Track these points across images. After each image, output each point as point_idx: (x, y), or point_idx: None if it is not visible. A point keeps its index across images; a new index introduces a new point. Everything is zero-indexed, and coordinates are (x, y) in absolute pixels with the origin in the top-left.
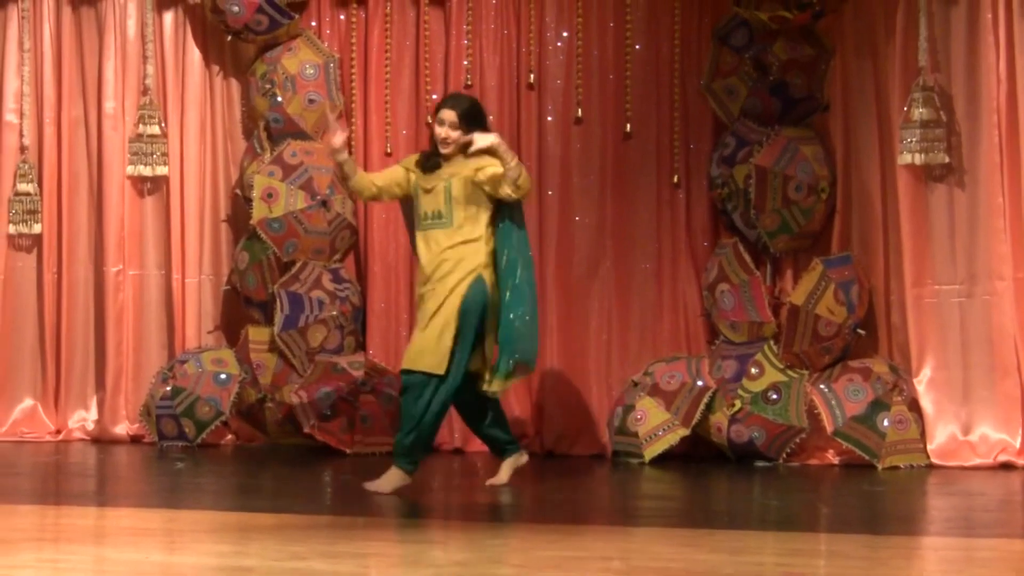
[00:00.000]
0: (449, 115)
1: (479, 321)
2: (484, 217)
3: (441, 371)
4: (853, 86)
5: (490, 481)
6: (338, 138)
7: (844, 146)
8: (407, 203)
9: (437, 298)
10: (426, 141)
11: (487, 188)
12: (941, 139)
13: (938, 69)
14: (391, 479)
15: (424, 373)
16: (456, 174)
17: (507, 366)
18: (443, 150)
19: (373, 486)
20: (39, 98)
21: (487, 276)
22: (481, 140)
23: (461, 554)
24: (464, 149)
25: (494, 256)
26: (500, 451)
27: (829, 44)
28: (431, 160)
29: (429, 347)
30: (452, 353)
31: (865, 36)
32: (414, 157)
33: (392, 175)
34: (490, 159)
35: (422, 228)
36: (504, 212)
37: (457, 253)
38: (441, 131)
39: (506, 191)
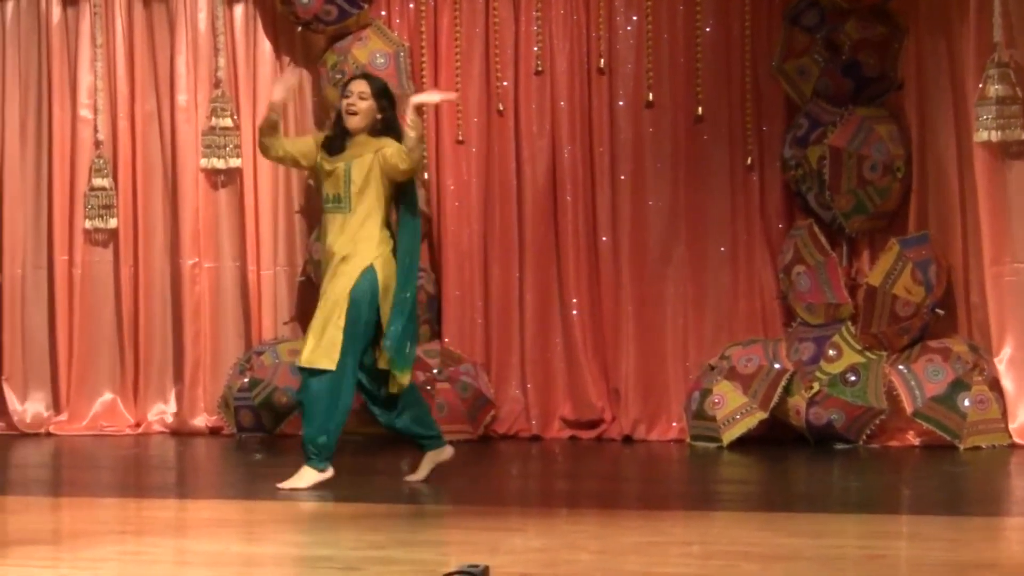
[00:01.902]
0: (360, 85)
1: (372, 314)
2: (383, 207)
3: (332, 366)
4: (927, 64)
5: (408, 477)
6: (278, 92)
7: (919, 124)
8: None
9: (330, 293)
10: (497, 128)
11: (385, 171)
12: (1017, 115)
13: (1013, 45)
14: (308, 477)
15: (318, 369)
16: (357, 155)
17: (399, 364)
18: (349, 123)
19: (288, 484)
20: (112, 93)
21: (379, 267)
22: (426, 96)
23: (540, 540)
24: (372, 129)
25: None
26: (419, 445)
27: (902, 22)
28: (335, 141)
29: (319, 343)
30: (342, 347)
31: (938, 13)
32: (324, 134)
33: (301, 145)
34: (391, 141)
35: (325, 211)
36: (403, 206)
37: (352, 243)
38: (350, 100)
39: (400, 164)
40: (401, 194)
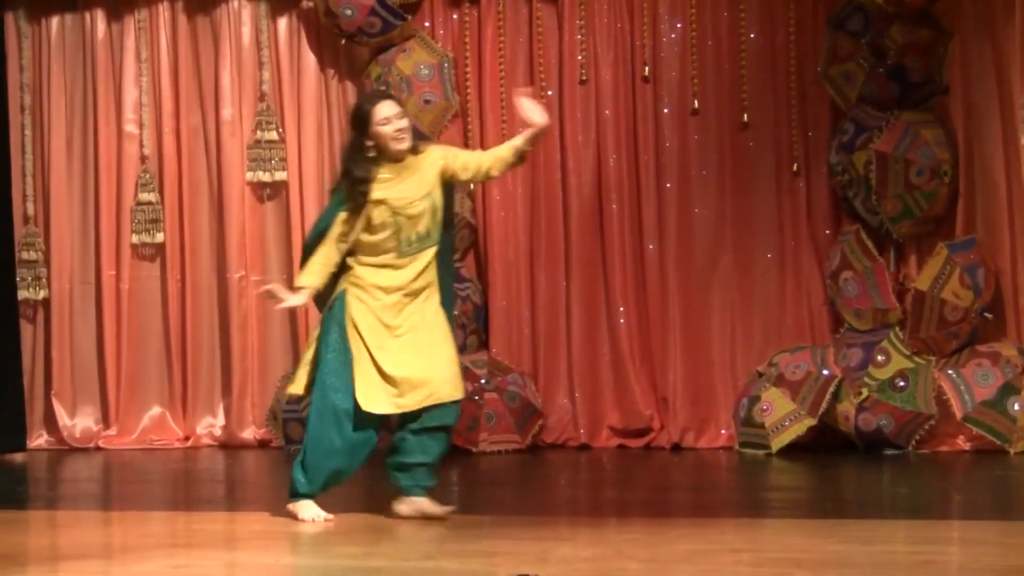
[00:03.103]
0: (392, 106)
1: None
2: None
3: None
4: (973, 68)
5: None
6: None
7: (965, 128)
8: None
9: (433, 330)
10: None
11: (447, 179)
12: None
13: None
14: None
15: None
16: (423, 180)
17: None
18: (401, 147)
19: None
20: (158, 108)
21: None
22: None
23: (590, 550)
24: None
25: None
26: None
27: (947, 26)
28: (367, 184)
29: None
30: None
31: (984, 16)
32: (340, 214)
33: (330, 255)
34: (447, 147)
35: (403, 254)
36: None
37: (431, 273)
38: (394, 126)
39: (493, 172)
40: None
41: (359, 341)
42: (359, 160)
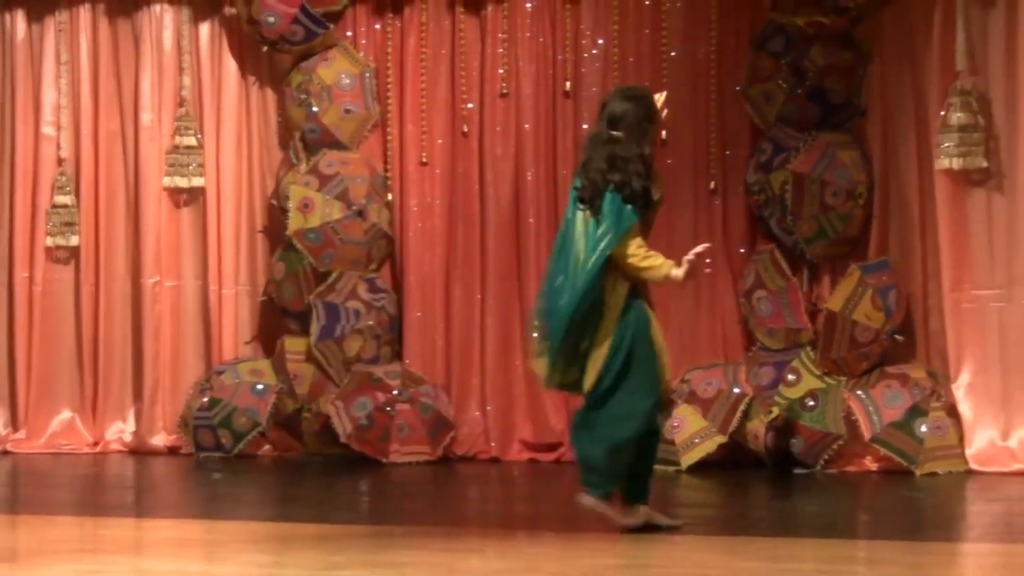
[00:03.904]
0: None
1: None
2: None
3: None
4: (891, 91)
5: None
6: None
7: (882, 151)
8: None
9: None
10: (462, 150)
11: None
12: (979, 143)
13: (976, 72)
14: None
15: None
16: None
17: None
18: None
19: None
20: (76, 110)
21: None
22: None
23: (499, 562)
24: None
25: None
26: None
27: (866, 49)
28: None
29: None
30: None
31: (902, 40)
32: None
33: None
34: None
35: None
36: None
37: None
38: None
39: None
40: None
41: (653, 346)
42: (644, 158)
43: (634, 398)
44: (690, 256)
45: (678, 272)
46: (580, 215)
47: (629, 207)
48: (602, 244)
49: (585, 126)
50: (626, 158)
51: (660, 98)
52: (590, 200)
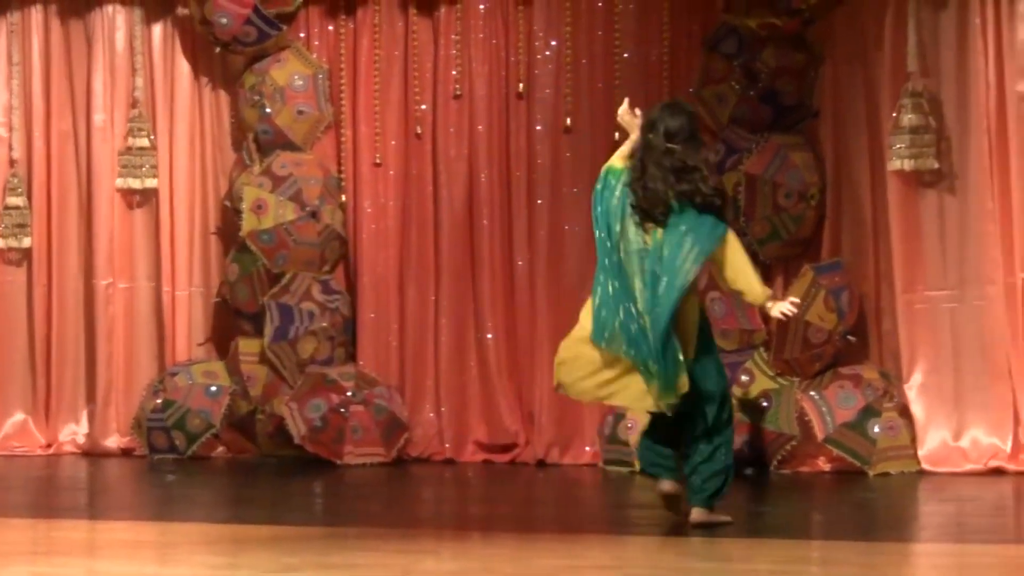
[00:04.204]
0: None
1: None
2: None
3: None
4: (843, 92)
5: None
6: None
7: (834, 153)
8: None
9: None
10: (415, 151)
11: None
12: (931, 144)
13: (927, 74)
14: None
15: None
16: None
17: None
18: None
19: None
20: (28, 111)
21: None
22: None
23: (454, 563)
24: None
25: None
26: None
27: (818, 51)
28: None
29: None
30: None
31: (854, 42)
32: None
33: None
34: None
35: None
36: None
37: None
38: None
39: None
40: None
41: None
42: (709, 164)
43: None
44: (788, 304)
45: (771, 304)
46: (633, 231)
47: (711, 216)
48: (692, 256)
49: (539, 127)
50: (693, 167)
51: (622, 107)
52: (650, 211)
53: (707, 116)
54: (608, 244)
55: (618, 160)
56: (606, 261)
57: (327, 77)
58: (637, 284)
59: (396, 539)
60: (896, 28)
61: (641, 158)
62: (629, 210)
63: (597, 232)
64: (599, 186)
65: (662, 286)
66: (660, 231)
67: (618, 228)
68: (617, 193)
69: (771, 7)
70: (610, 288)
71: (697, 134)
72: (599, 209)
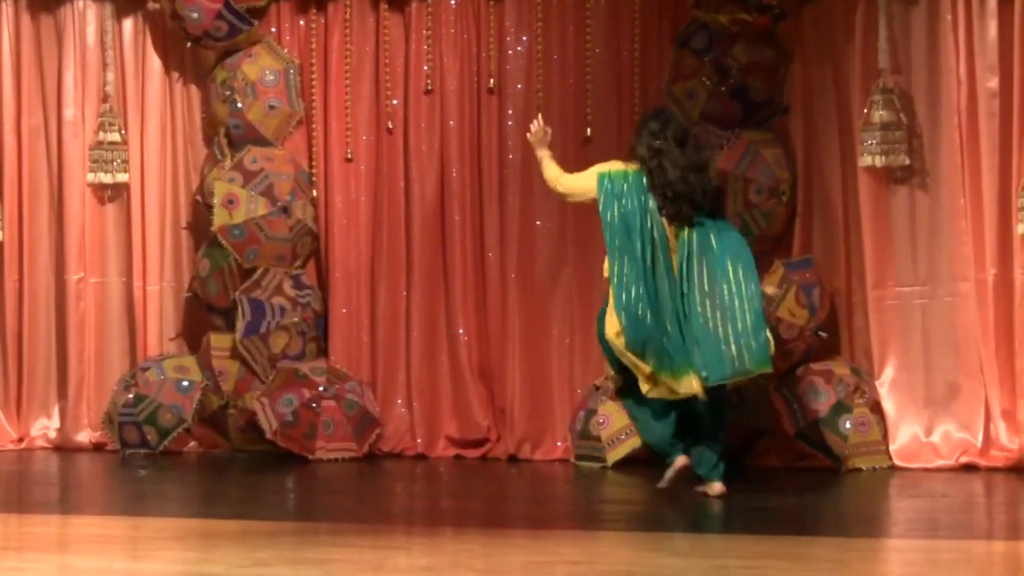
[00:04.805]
0: None
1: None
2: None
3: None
4: (813, 89)
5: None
6: None
7: (805, 149)
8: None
9: None
10: (386, 146)
11: None
12: (902, 141)
13: (898, 71)
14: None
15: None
16: None
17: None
18: None
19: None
20: None
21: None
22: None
23: (425, 559)
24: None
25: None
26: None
27: (789, 47)
28: None
29: None
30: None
31: (825, 38)
32: None
33: None
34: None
35: None
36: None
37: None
38: None
39: None
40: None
41: None
42: None
43: None
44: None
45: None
46: (659, 231)
47: (721, 217)
48: (745, 250)
49: (510, 123)
50: (704, 164)
51: (536, 124)
52: (680, 211)
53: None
54: (638, 245)
55: (617, 165)
56: (631, 262)
57: (298, 72)
58: (664, 282)
59: (368, 534)
60: (867, 24)
61: (658, 162)
62: (655, 212)
63: (615, 235)
64: (612, 191)
65: (740, 272)
66: (688, 229)
67: (650, 228)
68: (636, 196)
69: (742, 3)
70: (641, 289)
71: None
72: (620, 212)
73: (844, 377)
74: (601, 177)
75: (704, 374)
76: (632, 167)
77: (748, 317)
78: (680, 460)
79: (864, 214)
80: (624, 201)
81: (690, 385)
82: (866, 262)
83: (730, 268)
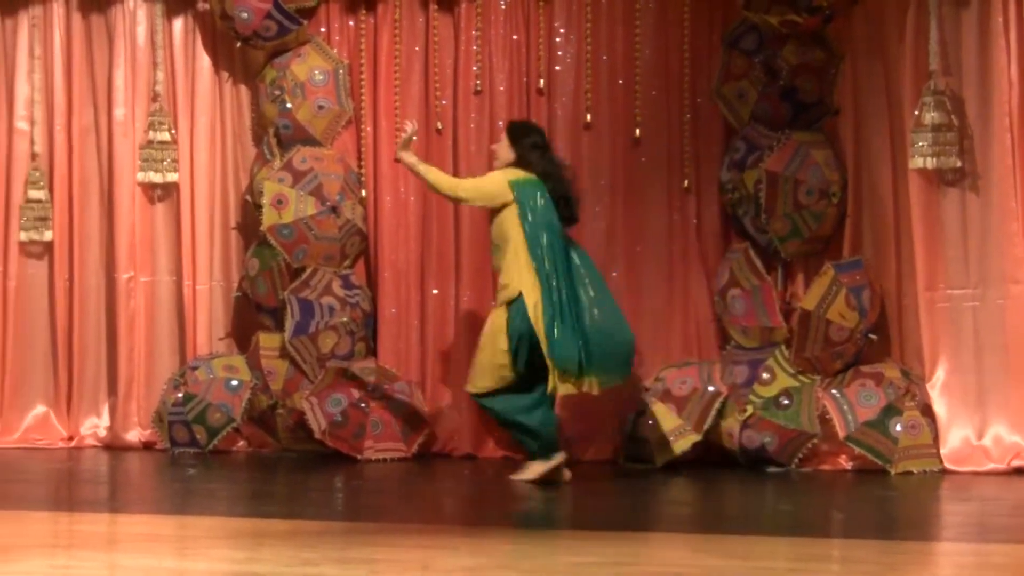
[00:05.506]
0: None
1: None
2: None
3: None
4: (864, 90)
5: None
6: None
7: (855, 150)
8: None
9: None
10: (436, 147)
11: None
12: (953, 143)
13: (949, 73)
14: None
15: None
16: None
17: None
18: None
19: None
20: (50, 105)
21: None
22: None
23: (472, 559)
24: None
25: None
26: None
27: (839, 48)
28: None
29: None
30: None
31: (875, 40)
32: None
33: None
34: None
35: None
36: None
37: (503, 276)
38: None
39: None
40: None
41: None
42: None
43: None
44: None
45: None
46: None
47: None
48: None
49: (559, 123)
50: (570, 174)
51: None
52: (575, 219)
53: (727, 113)
54: (552, 245)
55: (519, 173)
56: (556, 269)
57: (347, 72)
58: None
59: (415, 534)
60: (917, 26)
61: (551, 170)
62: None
63: (540, 237)
64: (527, 197)
65: (599, 287)
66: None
67: (557, 237)
68: (548, 202)
69: (792, 4)
70: (563, 295)
71: None
72: (541, 220)
73: (894, 380)
74: (512, 185)
75: (603, 376)
76: (529, 175)
77: (618, 321)
78: (563, 456)
79: (915, 216)
80: (541, 206)
81: (592, 384)
82: (917, 264)
83: (594, 271)
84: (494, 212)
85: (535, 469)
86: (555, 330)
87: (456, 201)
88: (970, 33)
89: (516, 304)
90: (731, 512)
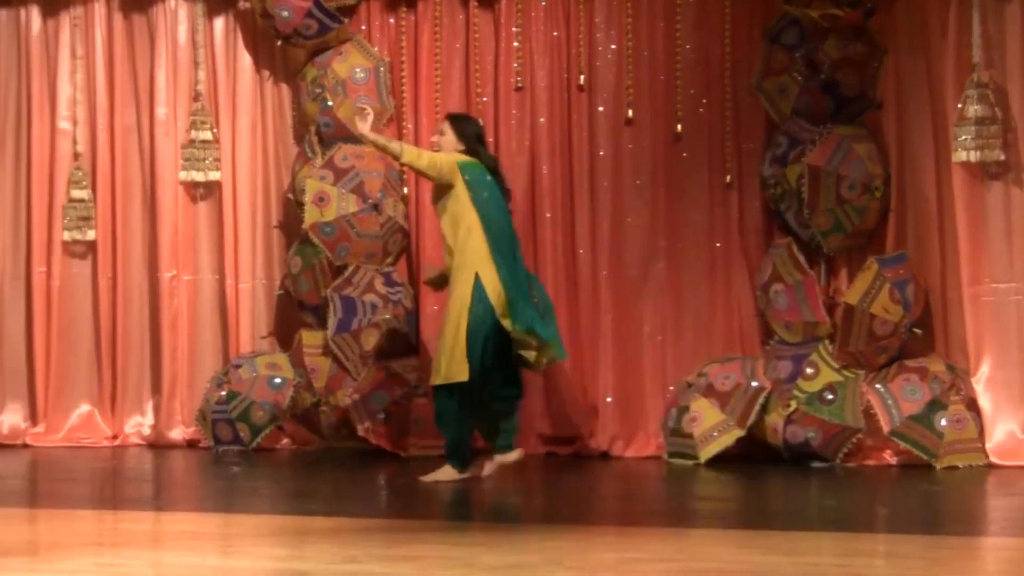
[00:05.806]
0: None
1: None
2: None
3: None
4: (906, 84)
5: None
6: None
7: (898, 144)
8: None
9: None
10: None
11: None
12: (996, 136)
13: (992, 65)
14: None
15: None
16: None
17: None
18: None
19: (430, 477)
20: (92, 105)
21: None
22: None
23: (516, 556)
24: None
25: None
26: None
27: (881, 42)
28: None
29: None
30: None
31: (918, 33)
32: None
33: None
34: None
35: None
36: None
37: (456, 257)
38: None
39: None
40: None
41: None
42: None
43: None
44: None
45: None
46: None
47: None
48: None
49: (600, 119)
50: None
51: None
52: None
53: (769, 108)
54: (505, 225)
55: (461, 156)
56: (504, 243)
57: (388, 70)
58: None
59: (459, 531)
60: (960, 19)
61: (491, 165)
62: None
63: (494, 216)
64: (475, 178)
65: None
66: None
67: (507, 219)
68: (493, 185)
69: None
70: (520, 272)
71: None
72: (494, 202)
73: (939, 374)
74: (462, 167)
75: (556, 348)
76: (474, 161)
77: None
78: (521, 452)
79: (958, 209)
80: (491, 187)
81: (549, 351)
82: (961, 258)
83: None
84: (441, 198)
85: (448, 472)
86: (518, 301)
87: (416, 171)
88: (1013, 25)
89: (476, 287)
90: (775, 508)
